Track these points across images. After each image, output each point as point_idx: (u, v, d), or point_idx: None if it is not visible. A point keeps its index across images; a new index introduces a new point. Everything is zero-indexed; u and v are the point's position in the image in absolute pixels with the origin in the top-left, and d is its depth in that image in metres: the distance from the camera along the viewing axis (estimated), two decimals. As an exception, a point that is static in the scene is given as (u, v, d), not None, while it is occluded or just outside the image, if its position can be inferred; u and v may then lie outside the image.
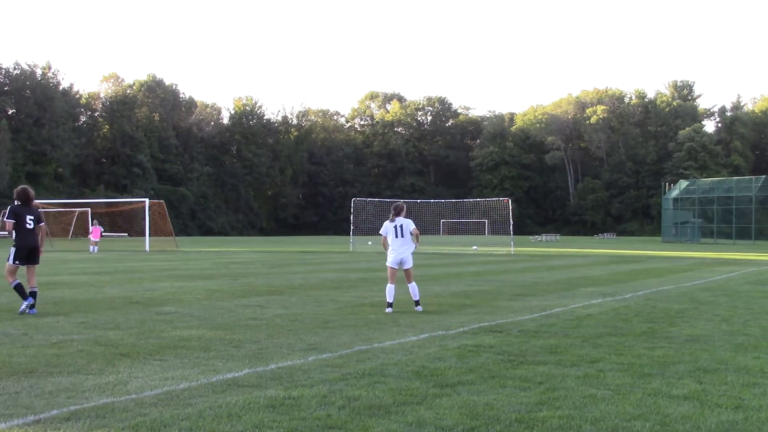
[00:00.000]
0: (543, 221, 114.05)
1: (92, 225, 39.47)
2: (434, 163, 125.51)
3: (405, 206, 12.32)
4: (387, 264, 12.24)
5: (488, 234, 66.21)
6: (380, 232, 12.35)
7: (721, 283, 18.59)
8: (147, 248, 41.11)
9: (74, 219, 63.68)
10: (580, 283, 18.05)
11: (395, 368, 7.08)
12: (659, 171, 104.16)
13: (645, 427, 5.16)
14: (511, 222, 43.85)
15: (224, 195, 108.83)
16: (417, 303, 12.03)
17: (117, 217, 69.83)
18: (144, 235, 43.11)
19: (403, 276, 12.33)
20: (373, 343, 8.59)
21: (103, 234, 40.29)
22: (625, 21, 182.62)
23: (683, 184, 73.51)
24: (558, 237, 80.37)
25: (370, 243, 48.96)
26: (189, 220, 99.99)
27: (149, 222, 43.85)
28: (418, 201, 63.89)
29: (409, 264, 12.11)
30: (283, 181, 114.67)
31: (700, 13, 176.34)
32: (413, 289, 12.07)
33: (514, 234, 44.65)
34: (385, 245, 12.31)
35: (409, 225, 12.07)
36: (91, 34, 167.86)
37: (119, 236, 68.39)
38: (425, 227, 64.82)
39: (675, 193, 71.37)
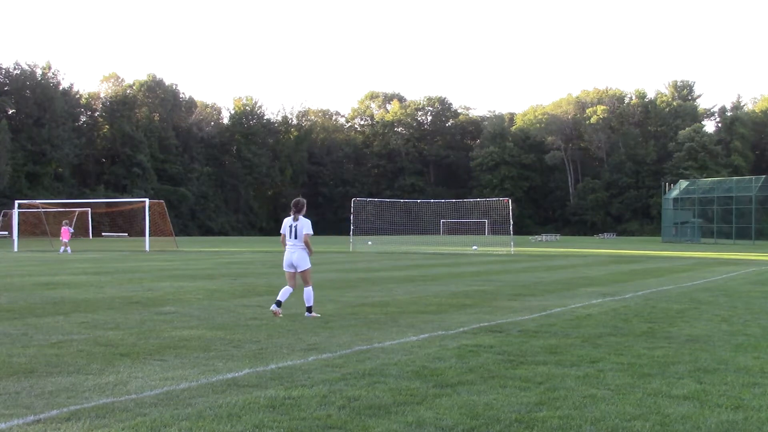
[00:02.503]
0: (543, 221, 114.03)
1: (62, 226, 38.90)
2: (434, 163, 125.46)
3: (305, 202, 11.43)
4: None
5: (488, 234, 66.24)
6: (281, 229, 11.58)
7: (721, 283, 18.58)
8: (147, 248, 41.11)
9: (74, 219, 63.70)
10: (580, 283, 18.04)
11: (395, 368, 7.08)
12: (659, 171, 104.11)
13: (645, 427, 5.16)
14: (511, 222, 43.87)
15: (224, 195, 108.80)
16: (309, 309, 11.13)
17: (117, 217, 69.90)
18: (144, 235, 43.12)
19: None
20: (373, 343, 8.59)
21: (72, 234, 39.52)
22: (625, 21, 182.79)
23: (683, 184, 73.48)
24: (558, 237, 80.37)
25: (370, 243, 49.01)
26: (189, 220, 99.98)
27: (149, 222, 43.85)
28: (418, 201, 63.92)
29: (302, 267, 11.25)
30: (283, 181, 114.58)
31: (700, 13, 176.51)
32: (306, 294, 11.20)
33: (514, 234, 44.68)
34: (284, 243, 11.55)
35: (304, 228, 11.20)
36: (91, 34, 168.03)
37: (119, 236, 68.44)
38: (425, 227, 64.88)
39: (675, 193, 71.35)
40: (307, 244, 11.25)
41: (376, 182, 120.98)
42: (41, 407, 5.55)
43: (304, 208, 11.29)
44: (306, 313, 11.14)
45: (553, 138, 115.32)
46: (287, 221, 11.37)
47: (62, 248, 37.41)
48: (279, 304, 11.08)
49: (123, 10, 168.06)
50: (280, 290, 11.47)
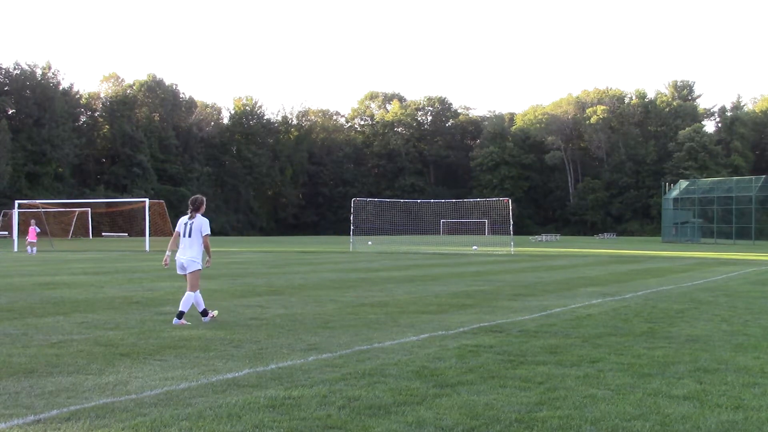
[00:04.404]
0: (543, 221, 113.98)
1: (30, 225, 37.60)
2: (434, 163, 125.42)
3: (203, 200, 10.62)
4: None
5: (488, 234, 66.18)
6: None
7: (721, 283, 18.59)
8: (147, 248, 41.10)
9: (74, 219, 63.76)
10: (580, 283, 18.04)
11: (395, 368, 7.08)
12: (659, 171, 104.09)
13: (645, 427, 5.16)
14: (511, 222, 43.87)
15: (224, 195, 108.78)
16: (179, 315, 10.14)
17: (117, 217, 69.95)
18: (144, 235, 43.13)
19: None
20: (373, 343, 8.59)
21: (38, 233, 38.06)
22: (625, 21, 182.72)
23: (683, 184, 73.50)
24: (558, 237, 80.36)
25: (370, 243, 49.01)
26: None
27: (149, 222, 43.86)
28: (418, 201, 63.94)
29: (191, 268, 10.38)
30: (283, 181, 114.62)
31: (700, 13, 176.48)
32: (185, 298, 10.29)
33: (514, 234, 44.67)
34: (172, 244, 10.78)
35: (202, 227, 10.42)
36: (91, 34, 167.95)
37: (119, 236, 68.46)
38: (425, 227, 64.88)
39: (675, 193, 71.36)
40: (206, 246, 10.49)
41: (376, 182, 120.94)
42: (41, 407, 5.55)
43: (203, 207, 10.54)
44: (175, 320, 10.19)
45: (553, 138, 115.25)
46: (182, 219, 10.58)
47: (29, 248, 36.15)
48: (181, 315, 10.18)
49: (123, 10, 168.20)
50: (180, 300, 10.64)
